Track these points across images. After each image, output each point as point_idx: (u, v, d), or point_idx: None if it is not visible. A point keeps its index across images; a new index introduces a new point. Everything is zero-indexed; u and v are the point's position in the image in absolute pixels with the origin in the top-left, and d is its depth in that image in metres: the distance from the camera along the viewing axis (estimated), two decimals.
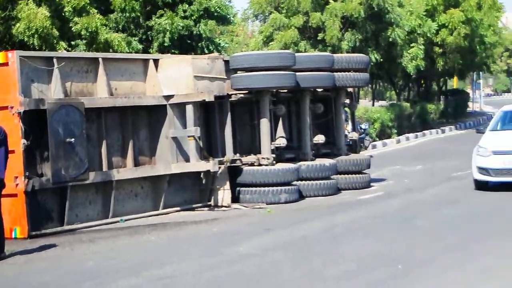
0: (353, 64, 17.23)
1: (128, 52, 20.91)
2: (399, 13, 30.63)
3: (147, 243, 11.60)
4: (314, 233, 11.77)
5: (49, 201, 12.68)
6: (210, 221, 13.31)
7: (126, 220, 13.54)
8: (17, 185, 11.92)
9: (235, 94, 15.53)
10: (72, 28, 20.45)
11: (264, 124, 15.52)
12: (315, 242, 11.06)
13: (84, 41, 20.76)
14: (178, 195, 14.69)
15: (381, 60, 30.75)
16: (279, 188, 15.06)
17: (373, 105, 39.43)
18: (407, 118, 36.31)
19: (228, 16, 26.17)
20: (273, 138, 16.01)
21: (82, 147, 12.82)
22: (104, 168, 13.47)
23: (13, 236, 12.02)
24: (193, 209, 14.69)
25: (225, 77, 15.22)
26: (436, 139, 33.74)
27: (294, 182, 15.45)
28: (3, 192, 10.72)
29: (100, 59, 13.80)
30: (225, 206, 14.72)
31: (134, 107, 14.12)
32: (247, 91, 15.56)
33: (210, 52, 23.18)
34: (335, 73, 16.73)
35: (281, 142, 16.10)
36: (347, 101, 18.37)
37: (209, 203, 14.87)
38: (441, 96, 47.82)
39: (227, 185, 14.85)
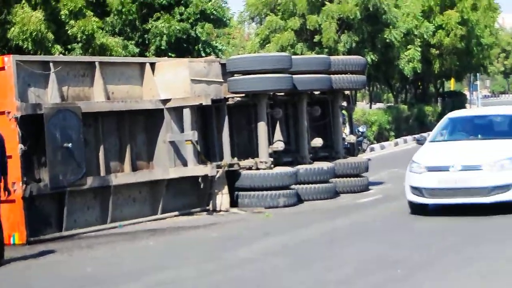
0: (350, 66, 17.19)
1: (124, 56, 20.88)
2: (395, 14, 30.63)
3: (145, 248, 11.57)
4: (313, 237, 11.75)
5: (47, 206, 12.63)
6: (208, 226, 13.27)
7: (124, 225, 13.50)
8: (14, 190, 11.87)
9: (232, 97, 15.48)
10: (68, 31, 20.43)
11: (262, 128, 15.47)
12: (315, 246, 11.03)
13: (80, 44, 20.73)
14: (176, 199, 14.64)
15: (376, 60, 30.66)
16: (277, 192, 15.01)
17: (370, 107, 39.44)
18: (405, 120, 36.31)
19: (225, 19, 26.18)
20: (270, 141, 15.93)
21: (80, 152, 12.76)
22: (102, 173, 13.42)
23: (11, 242, 11.97)
24: (191, 214, 14.64)
25: (222, 80, 15.19)
26: None
27: (293, 186, 15.40)
28: (1, 198, 10.69)
29: (97, 63, 13.76)
30: (224, 211, 14.68)
31: (131, 111, 14.08)
32: (244, 94, 15.53)
33: (207, 55, 23.17)
34: (332, 75, 16.69)
35: (279, 145, 16.03)
36: (345, 103, 18.32)
37: (207, 207, 14.82)
38: (439, 98, 47.85)
39: (226, 190, 14.80)
